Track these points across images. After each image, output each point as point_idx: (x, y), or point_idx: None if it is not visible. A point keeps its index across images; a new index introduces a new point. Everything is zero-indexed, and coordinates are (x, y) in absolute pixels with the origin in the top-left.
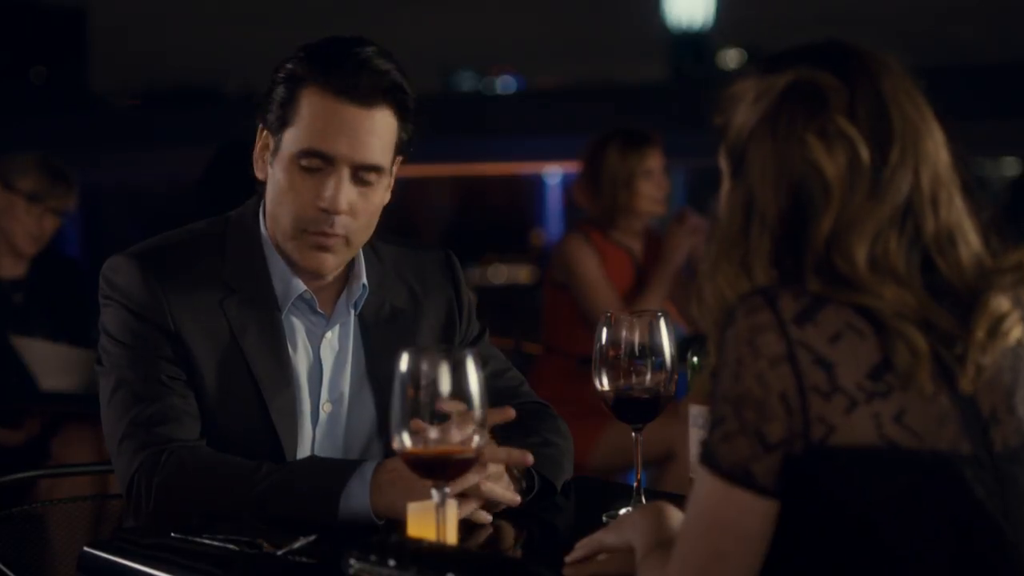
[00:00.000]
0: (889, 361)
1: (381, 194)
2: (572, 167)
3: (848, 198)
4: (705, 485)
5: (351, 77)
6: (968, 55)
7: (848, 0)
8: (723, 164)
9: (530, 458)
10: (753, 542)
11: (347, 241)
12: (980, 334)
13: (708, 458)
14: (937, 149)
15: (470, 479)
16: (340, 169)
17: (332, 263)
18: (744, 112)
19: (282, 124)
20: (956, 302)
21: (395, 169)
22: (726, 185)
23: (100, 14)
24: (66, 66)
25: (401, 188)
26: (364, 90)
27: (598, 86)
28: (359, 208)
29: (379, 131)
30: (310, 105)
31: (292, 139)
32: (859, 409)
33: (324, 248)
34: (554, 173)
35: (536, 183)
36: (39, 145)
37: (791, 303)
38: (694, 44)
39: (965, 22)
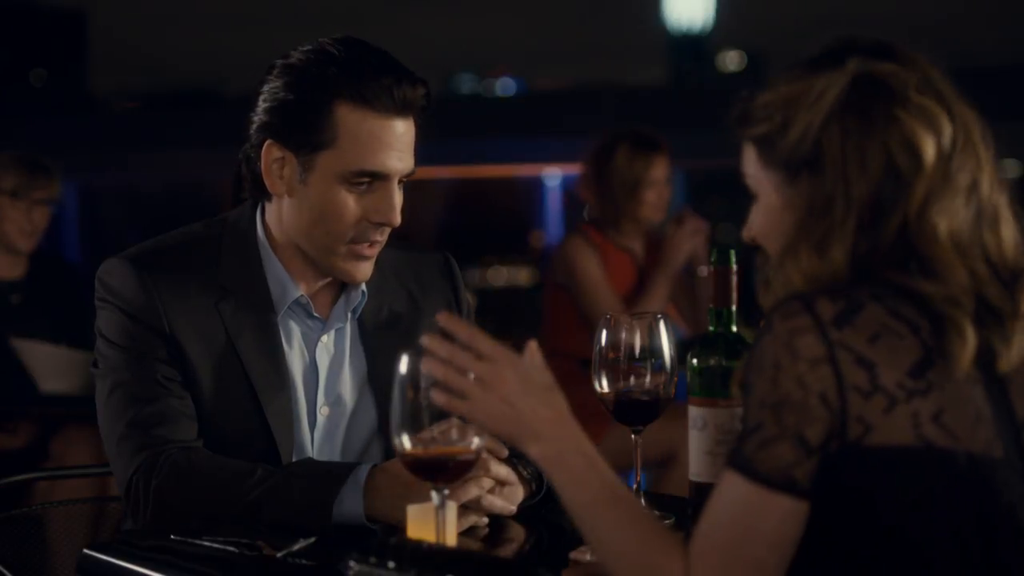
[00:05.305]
0: (929, 359)
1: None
2: (572, 169)
3: (935, 174)
4: (738, 492)
5: (388, 90)
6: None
7: (848, 2)
8: (767, 174)
9: (504, 451)
10: (787, 546)
11: (383, 245)
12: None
13: (744, 466)
14: (980, 130)
15: (471, 492)
16: (392, 182)
17: (370, 270)
18: (805, 114)
19: (315, 145)
20: (1001, 279)
21: None
22: (772, 195)
23: (100, 16)
24: (66, 68)
25: None
26: (403, 102)
27: (598, 88)
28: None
29: (412, 137)
30: (351, 124)
31: (334, 160)
32: (898, 408)
33: (367, 257)
34: (554, 175)
35: (536, 185)
36: (39, 147)
37: (829, 306)
38: (694, 46)
39: (966, 24)
